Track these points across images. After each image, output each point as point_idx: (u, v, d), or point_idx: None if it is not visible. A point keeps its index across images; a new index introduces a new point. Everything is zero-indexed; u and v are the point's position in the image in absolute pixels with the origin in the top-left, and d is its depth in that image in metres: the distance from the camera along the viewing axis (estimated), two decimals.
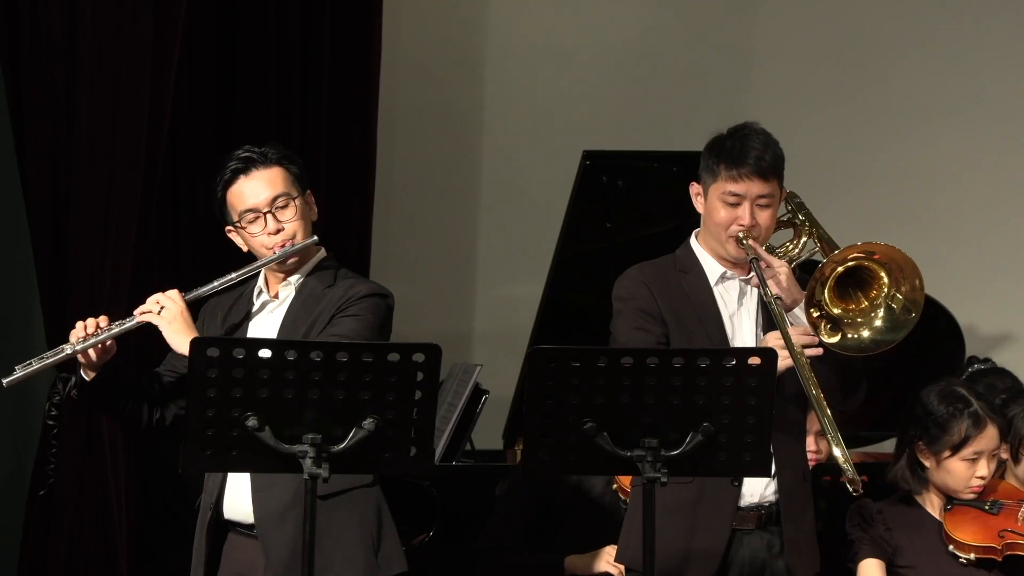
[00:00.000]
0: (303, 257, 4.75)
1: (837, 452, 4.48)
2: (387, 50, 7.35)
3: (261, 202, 4.69)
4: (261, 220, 4.69)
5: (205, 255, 6.91)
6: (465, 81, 8.03)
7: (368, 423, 4.15)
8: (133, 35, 6.17)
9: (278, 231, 4.68)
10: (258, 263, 4.71)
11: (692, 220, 4.88)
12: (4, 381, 4.67)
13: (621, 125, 7.81)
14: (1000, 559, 5.09)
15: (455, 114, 8.03)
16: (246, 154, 4.73)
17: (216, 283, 4.70)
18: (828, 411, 4.50)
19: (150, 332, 4.72)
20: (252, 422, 4.11)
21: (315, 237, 4.73)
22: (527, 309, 6.86)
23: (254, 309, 4.77)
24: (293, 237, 4.69)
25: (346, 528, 4.62)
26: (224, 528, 4.71)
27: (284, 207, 4.70)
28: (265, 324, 4.75)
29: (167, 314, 4.62)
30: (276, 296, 4.76)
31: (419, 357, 4.15)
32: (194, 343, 4.14)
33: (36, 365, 4.60)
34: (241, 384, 4.10)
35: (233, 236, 4.78)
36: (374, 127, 7.31)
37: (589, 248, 6.77)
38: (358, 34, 7.25)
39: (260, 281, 4.80)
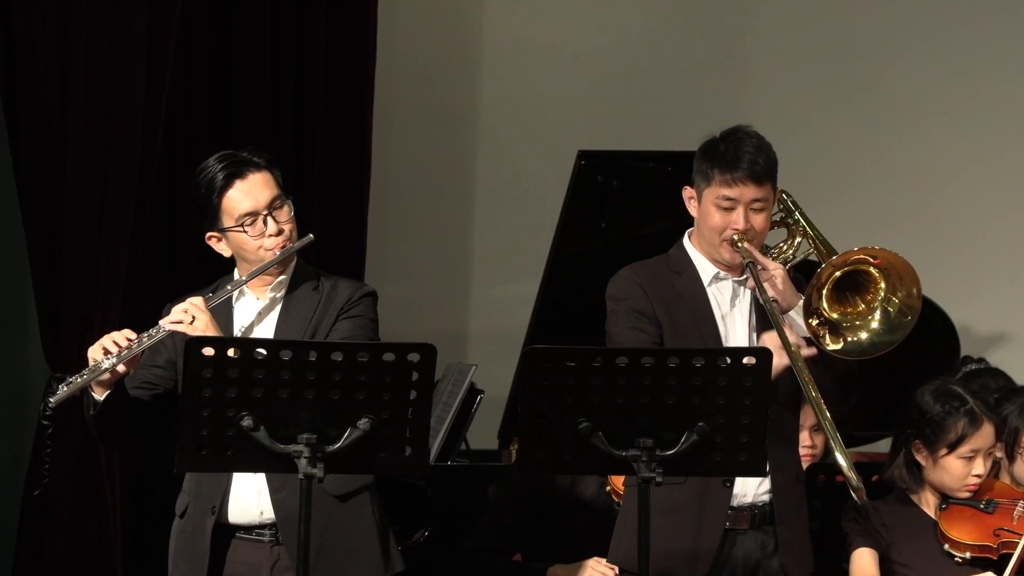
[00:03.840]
0: (287, 259, 4.72)
1: (841, 460, 4.46)
2: (382, 49, 7.36)
3: (261, 204, 4.65)
4: (260, 223, 4.65)
5: (200, 253, 6.89)
6: (460, 81, 8.02)
7: (363, 423, 4.14)
8: (128, 34, 6.17)
9: (279, 232, 4.66)
10: (266, 264, 4.64)
11: (687, 220, 4.87)
12: (51, 400, 4.60)
13: (616, 125, 7.80)
14: (995, 558, 5.08)
15: (450, 114, 8.02)
16: (237, 158, 4.69)
17: (230, 288, 4.64)
18: (828, 414, 4.49)
19: None
20: (247, 422, 4.11)
21: (311, 236, 4.70)
22: (522, 309, 6.86)
23: (237, 314, 4.70)
24: (291, 237, 4.68)
25: (362, 526, 4.63)
26: (227, 532, 4.65)
27: (280, 208, 4.68)
28: (260, 327, 4.70)
29: (200, 324, 4.52)
30: (264, 298, 4.71)
31: (414, 357, 4.15)
32: (189, 343, 4.13)
33: (78, 382, 4.46)
34: (236, 384, 4.09)
35: (216, 243, 4.72)
36: (369, 127, 7.31)
37: (584, 248, 6.76)
38: (353, 33, 7.25)
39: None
